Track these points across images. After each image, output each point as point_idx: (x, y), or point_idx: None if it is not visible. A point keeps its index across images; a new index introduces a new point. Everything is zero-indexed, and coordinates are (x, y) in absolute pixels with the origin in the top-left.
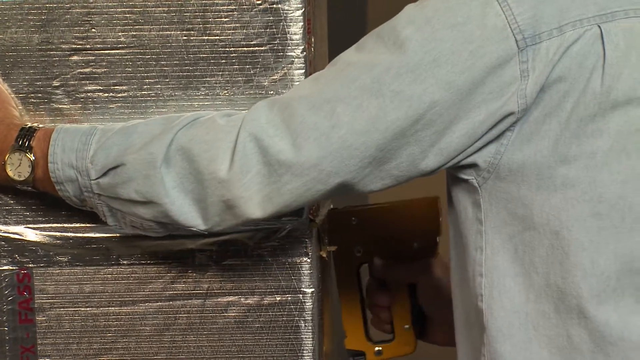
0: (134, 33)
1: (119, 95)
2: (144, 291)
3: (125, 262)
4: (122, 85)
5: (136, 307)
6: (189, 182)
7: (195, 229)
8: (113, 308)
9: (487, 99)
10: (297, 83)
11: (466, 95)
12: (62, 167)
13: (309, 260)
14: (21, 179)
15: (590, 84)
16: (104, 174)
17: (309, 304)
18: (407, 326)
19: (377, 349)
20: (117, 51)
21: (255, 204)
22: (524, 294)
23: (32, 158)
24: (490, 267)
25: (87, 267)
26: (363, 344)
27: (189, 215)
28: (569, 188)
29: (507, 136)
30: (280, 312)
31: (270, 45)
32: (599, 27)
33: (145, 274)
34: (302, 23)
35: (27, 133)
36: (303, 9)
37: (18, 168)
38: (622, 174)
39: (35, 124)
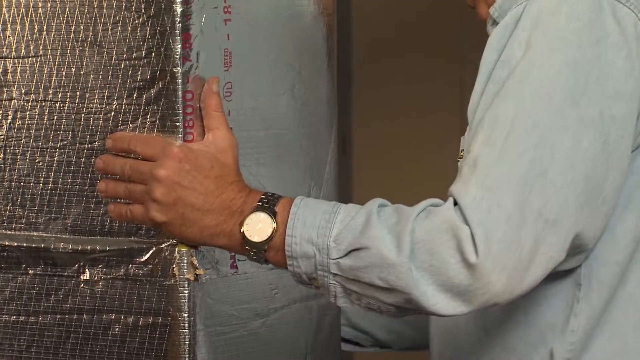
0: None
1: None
2: (48, 302)
3: (31, 272)
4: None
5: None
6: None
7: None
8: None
9: None
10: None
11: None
12: (301, 242)
13: (178, 283)
14: (257, 240)
15: None
16: (346, 255)
17: (181, 329)
18: None
19: None
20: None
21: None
22: None
23: (274, 224)
24: None
25: None
26: None
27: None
28: None
29: None
30: (153, 334)
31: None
32: None
33: (51, 284)
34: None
35: (271, 198)
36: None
37: (257, 229)
38: None
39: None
